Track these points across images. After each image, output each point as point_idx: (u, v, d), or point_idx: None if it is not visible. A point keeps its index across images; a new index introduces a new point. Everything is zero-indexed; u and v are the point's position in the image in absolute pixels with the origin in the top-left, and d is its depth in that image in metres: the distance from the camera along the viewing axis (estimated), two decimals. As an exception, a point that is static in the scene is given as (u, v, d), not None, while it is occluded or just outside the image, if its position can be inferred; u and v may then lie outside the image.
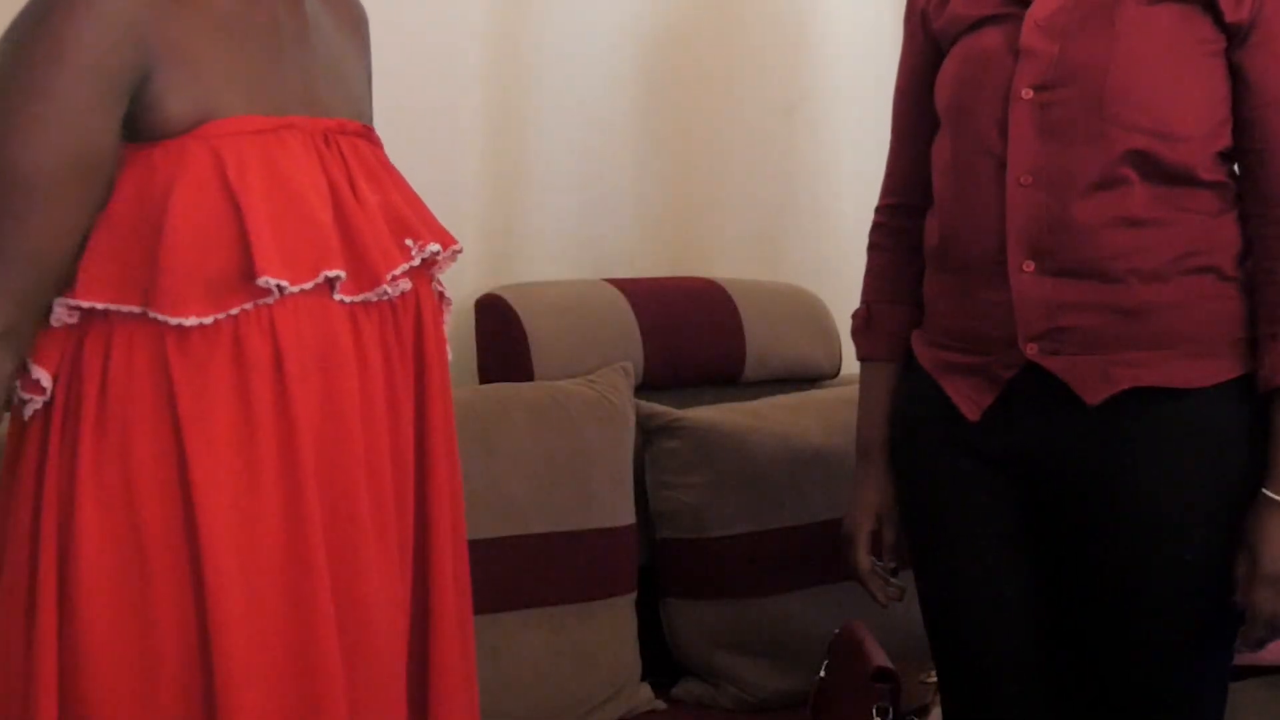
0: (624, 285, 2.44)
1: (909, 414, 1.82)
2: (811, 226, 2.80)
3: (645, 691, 2.22)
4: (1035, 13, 1.65)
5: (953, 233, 1.73)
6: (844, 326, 2.63)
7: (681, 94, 2.66)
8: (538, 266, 2.50)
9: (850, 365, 2.67)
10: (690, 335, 2.44)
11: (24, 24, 1.23)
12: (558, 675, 2.10)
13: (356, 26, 1.50)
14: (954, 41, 1.74)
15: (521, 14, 2.46)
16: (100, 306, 1.23)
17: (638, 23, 2.60)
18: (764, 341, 2.50)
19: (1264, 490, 1.58)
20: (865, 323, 1.90)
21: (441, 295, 1.43)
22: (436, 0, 2.31)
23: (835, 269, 2.79)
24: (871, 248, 1.93)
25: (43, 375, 1.24)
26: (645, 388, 2.37)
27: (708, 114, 2.68)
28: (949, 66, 1.74)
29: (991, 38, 1.69)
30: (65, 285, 1.24)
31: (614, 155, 2.59)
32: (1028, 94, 1.63)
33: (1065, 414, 1.64)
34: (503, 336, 2.31)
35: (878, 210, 1.92)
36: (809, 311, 2.60)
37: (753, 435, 2.31)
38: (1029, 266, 1.63)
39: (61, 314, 1.25)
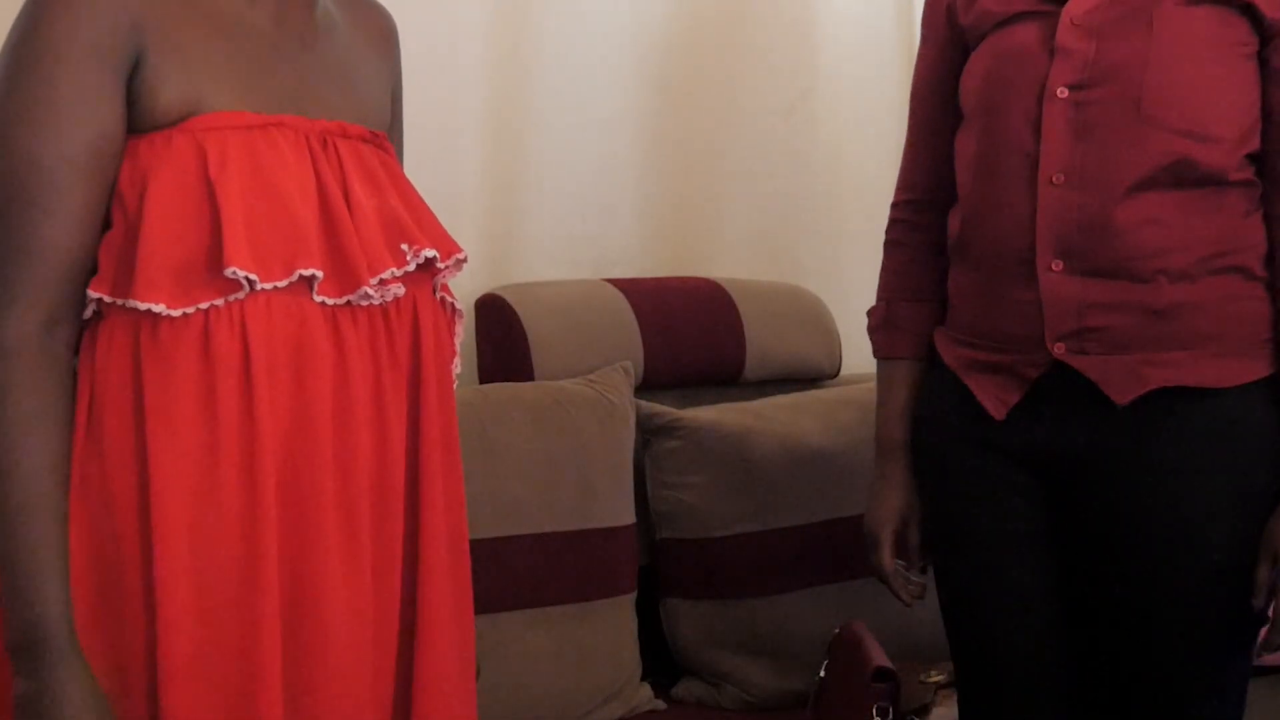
0: (624, 285, 2.44)
1: (932, 412, 1.81)
2: (811, 226, 2.81)
3: (645, 691, 2.22)
4: (1071, 10, 1.64)
5: (978, 229, 1.72)
6: (844, 326, 2.64)
7: (682, 94, 2.66)
8: (538, 267, 2.50)
9: (850, 365, 2.68)
10: (690, 335, 2.44)
11: (25, 17, 1.24)
12: (558, 675, 2.10)
13: (381, 37, 1.48)
14: (983, 37, 1.73)
15: (521, 14, 2.46)
16: (94, 296, 1.24)
17: (638, 23, 2.60)
18: (764, 341, 2.51)
19: None
20: (884, 320, 1.88)
21: (453, 306, 1.42)
22: (436, 0, 2.31)
23: (835, 269, 2.80)
24: (889, 244, 1.91)
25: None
26: (645, 388, 2.37)
27: (708, 114, 2.69)
28: (978, 62, 1.72)
29: (1025, 34, 1.67)
30: (92, 275, 1.25)
31: (614, 155, 2.59)
32: (1063, 93, 1.62)
33: (1092, 413, 1.63)
34: (503, 336, 2.31)
35: (895, 206, 1.91)
36: (809, 311, 2.60)
37: (753, 435, 2.31)
38: (1057, 266, 1.62)
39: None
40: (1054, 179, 1.62)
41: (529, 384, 2.25)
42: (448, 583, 1.37)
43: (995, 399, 1.69)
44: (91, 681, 1.20)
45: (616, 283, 2.44)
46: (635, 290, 2.43)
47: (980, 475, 1.72)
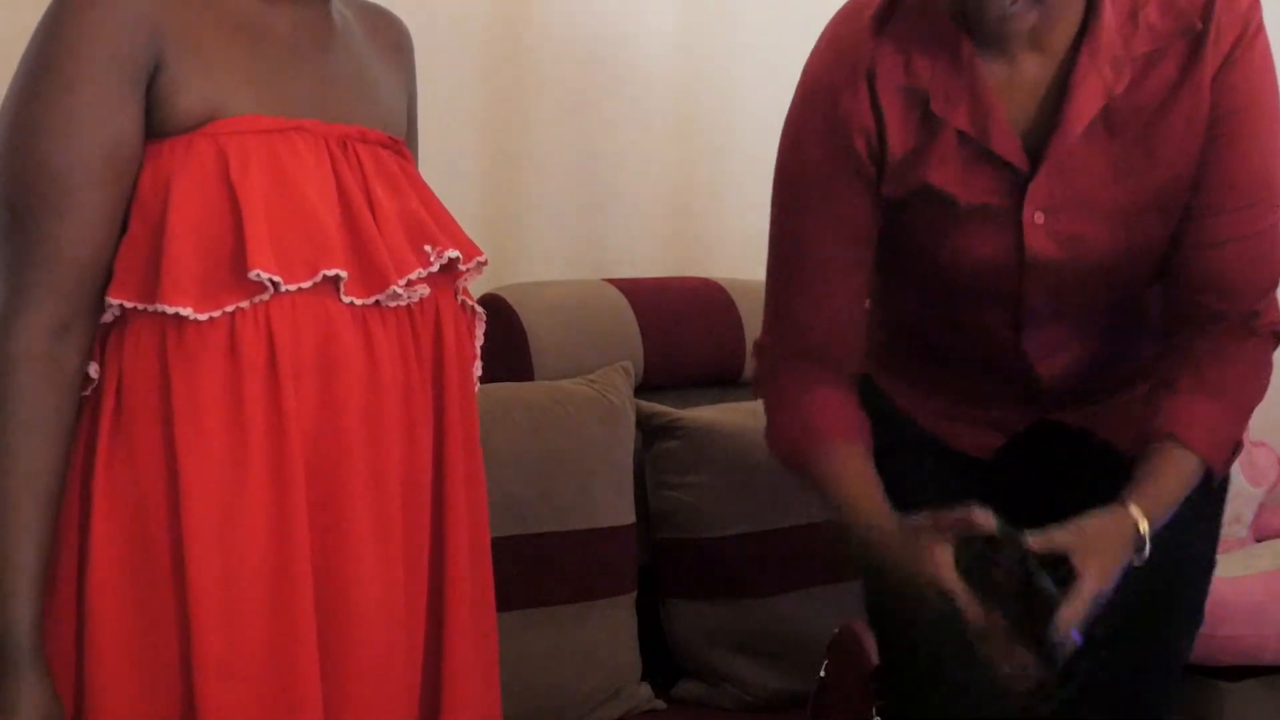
0: (624, 285, 2.44)
1: (887, 430, 1.64)
2: (811, 226, 2.80)
3: (645, 691, 2.22)
4: (1034, 212, 1.49)
5: (946, 365, 1.66)
6: (844, 326, 2.64)
7: (682, 93, 2.66)
8: (538, 266, 2.50)
9: (850, 365, 2.68)
10: (690, 335, 2.44)
11: (44, 26, 1.26)
12: (558, 675, 2.10)
13: (396, 48, 1.50)
14: (928, 223, 1.53)
15: (521, 13, 2.46)
16: (115, 302, 1.24)
17: (638, 22, 2.60)
18: (764, 341, 2.50)
19: (1121, 500, 1.49)
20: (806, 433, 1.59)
21: (473, 309, 1.43)
22: (436, 0, 2.31)
23: (835, 269, 2.79)
24: (781, 387, 1.61)
25: (91, 366, 1.27)
26: (645, 388, 2.37)
27: (708, 114, 2.69)
28: (924, 259, 1.54)
29: (983, 246, 1.52)
30: (109, 280, 1.26)
31: (614, 155, 2.59)
32: (1044, 310, 1.56)
33: (1078, 446, 1.64)
34: (503, 336, 2.31)
35: (780, 357, 1.62)
36: (809, 311, 2.60)
37: (753, 435, 2.29)
38: (1053, 382, 1.61)
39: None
40: (1047, 367, 1.60)
41: (529, 384, 2.25)
42: (468, 582, 1.38)
43: (978, 445, 1.67)
44: (49, 693, 1.21)
45: (616, 283, 2.44)
46: (635, 290, 2.43)
47: (942, 481, 1.65)
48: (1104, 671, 1.62)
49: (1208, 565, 1.67)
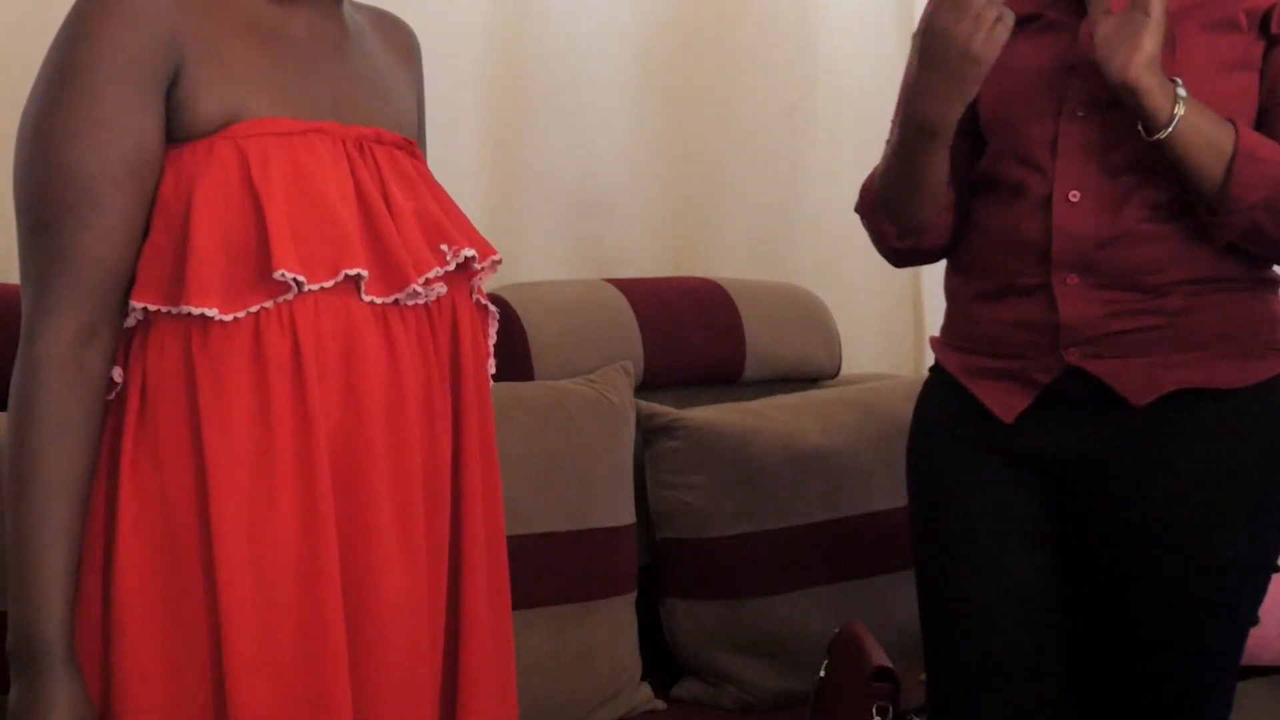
0: (624, 285, 2.44)
1: (931, 415, 1.79)
2: (811, 226, 2.81)
3: (645, 691, 2.22)
4: (1090, 27, 1.60)
5: (985, 241, 1.71)
6: (844, 326, 2.65)
7: (681, 94, 2.66)
8: (538, 267, 2.50)
9: (850, 365, 2.68)
10: (690, 335, 2.44)
11: (64, 34, 1.27)
12: (558, 675, 2.10)
13: (406, 53, 1.51)
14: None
15: (521, 14, 2.47)
16: (139, 305, 1.26)
17: (638, 23, 2.60)
18: (764, 341, 2.51)
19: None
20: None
21: (486, 308, 1.44)
22: (436, 0, 2.31)
23: (835, 269, 2.80)
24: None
25: (115, 370, 1.28)
26: (645, 388, 2.37)
27: (708, 114, 2.69)
28: (991, 77, 1.62)
29: (1041, 50, 1.64)
30: (131, 285, 1.27)
31: (614, 155, 2.59)
32: (1081, 112, 1.61)
33: (1104, 416, 1.63)
34: (503, 336, 2.30)
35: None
36: (809, 311, 2.61)
37: (753, 435, 2.31)
38: (1073, 280, 1.62)
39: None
40: (1070, 196, 1.61)
41: (529, 384, 2.25)
42: (484, 573, 1.39)
43: (1003, 404, 1.68)
44: (81, 696, 1.23)
45: (616, 283, 2.45)
46: (635, 290, 2.43)
47: (983, 474, 1.71)
48: (1154, 672, 1.64)
49: (1264, 565, 1.66)
